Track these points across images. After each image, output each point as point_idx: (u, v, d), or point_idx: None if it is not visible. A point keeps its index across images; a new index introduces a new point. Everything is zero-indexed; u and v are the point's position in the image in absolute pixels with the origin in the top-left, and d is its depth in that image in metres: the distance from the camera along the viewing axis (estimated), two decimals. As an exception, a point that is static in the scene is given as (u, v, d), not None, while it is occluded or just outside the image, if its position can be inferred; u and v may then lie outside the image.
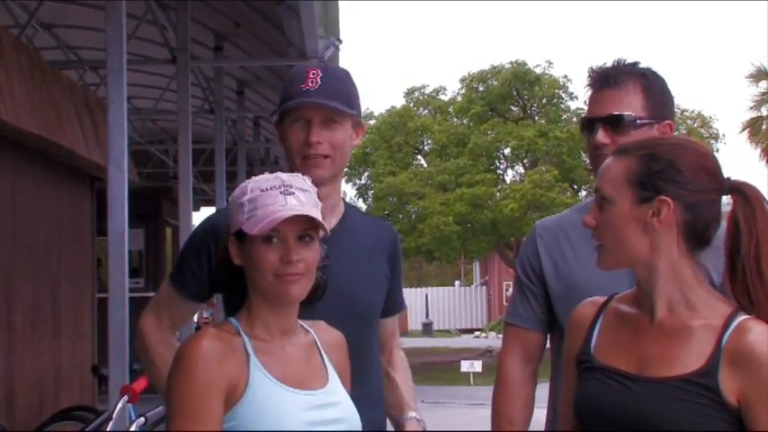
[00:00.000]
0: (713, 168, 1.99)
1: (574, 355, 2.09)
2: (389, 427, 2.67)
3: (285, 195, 1.97)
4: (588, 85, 2.55)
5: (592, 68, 2.55)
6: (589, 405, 2.01)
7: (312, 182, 2.39)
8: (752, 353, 1.87)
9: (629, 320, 2.04)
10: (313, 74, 2.47)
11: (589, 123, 2.51)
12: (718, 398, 1.88)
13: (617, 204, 1.97)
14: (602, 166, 2.03)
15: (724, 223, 2.01)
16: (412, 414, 2.59)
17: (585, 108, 2.57)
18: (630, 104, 2.46)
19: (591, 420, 2.00)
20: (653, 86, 2.50)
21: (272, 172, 2.06)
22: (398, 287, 2.71)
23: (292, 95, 2.47)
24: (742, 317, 1.93)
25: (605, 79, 2.50)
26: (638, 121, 2.45)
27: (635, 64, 2.54)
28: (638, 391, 1.94)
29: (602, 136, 2.46)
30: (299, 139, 2.47)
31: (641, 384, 1.94)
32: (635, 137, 2.39)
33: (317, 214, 1.99)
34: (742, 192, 1.98)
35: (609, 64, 2.54)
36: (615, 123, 2.45)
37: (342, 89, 2.50)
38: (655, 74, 2.54)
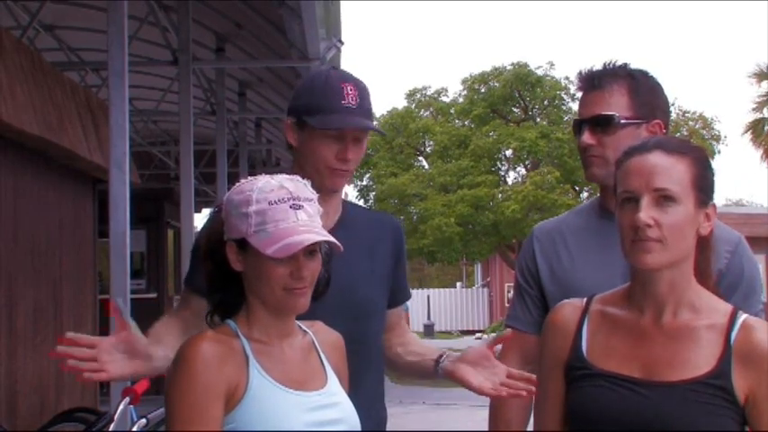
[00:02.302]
0: None
1: (561, 360, 2.07)
2: (400, 426, 2.66)
3: (295, 210, 1.96)
4: (577, 89, 2.59)
5: (580, 72, 2.58)
6: (595, 412, 1.98)
7: (332, 190, 2.43)
8: (761, 350, 1.91)
9: (622, 324, 2.03)
10: (350, 89, 2.50)
11: (577, 125, 2.55)
12: (731, 398, 1.91)
13: (683, 204, 1.96)
14: (652, 162, 1.99)
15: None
16: (445, 353, 2.56)
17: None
18: (615, 105, 2.48)
19: (597, 427, 1.98)
20: (640, 87, 2.51)
21: (269, 173, 2.06)
22: (403, 277, 2.73)
23: (333, 110, 2.48)
24: (744, 315, 1.97)
25: (591, 81, 2.52)
26: (623, 121, 2.47)
27: (623, 65, 2.55)
28: (651, 397, 1.93)
29: (587, 137, 2.49)
30: (332, 153, 2.50)
31: (653, 389, 1.94)
32: (621, 137, 2.42)
33: (327, 234, 1.99)
34: None
35: (598, 66, 2.57)
36: (599, 124, 2.48)
37: (370, 105, 2.57)
38: (645, 74, 2.55)
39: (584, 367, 2.02)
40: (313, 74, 2.68)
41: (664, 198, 1.95)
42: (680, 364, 1.94)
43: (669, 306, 1.99)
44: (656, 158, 1.98)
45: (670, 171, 1.97)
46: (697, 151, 2.04)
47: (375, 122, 2.65)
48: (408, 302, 2.86)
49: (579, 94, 2.58)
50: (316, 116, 2.49)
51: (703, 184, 1.99)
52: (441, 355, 2.54)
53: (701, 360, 1.93)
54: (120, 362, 2.23)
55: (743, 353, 1.92)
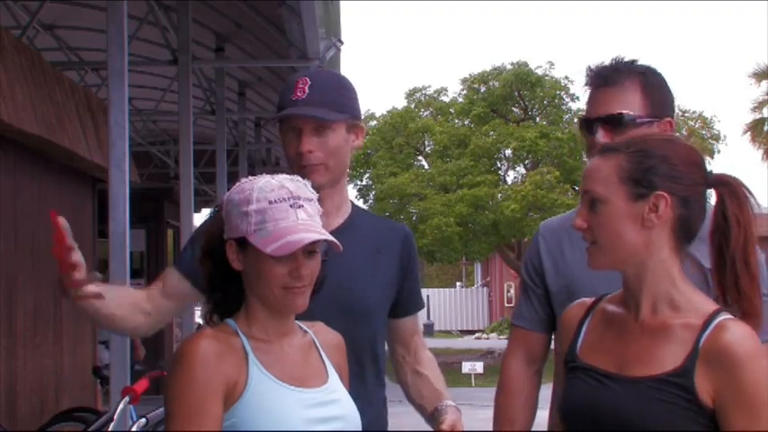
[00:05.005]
0: (701, 162, 2.02)
1: (562, 355, 2.11)
2: (400, 426, 2.68)
3: (295, 209, 1.97)
4: (587, 85, 2.53)
5: (590, 67, 2.53)
6: (571, 404, 2.03)
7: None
8: (727, 353, 1.87)
9: (614, 321, 2.05)
10: (302, 83, 2.53)
11: (588, 123, 2.49)
12: (693, 398, 1.88)
13: (611, 203, 1.97)
14: (588, 167, 2.03)
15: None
16: (448, 402, 2.58)
17: (586, 109, 2.54)
18: (629, 103, 2.44)
19: (573, 419, 2.02)
20: (652, 84, 2.48)
21: (269, 173, 2.06)
22: (413, 287, 2.71)
23: (283, 106, 2.55)
24: (723, 317, 1.93)
25: (603, 78, 2.48)
26: (638, 120, 2.43)
27: (633, 62, 2.52)
28: (616, 390, 1.95)
29: (601, 136, 2.44)
30: (293, 149, 2.55)
31: (620, 383, 1.95)
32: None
33: (326, 233, 1.99)
34: (727, 183, 2.00)
35: (607, 62, 2.53)
36: (615, 123, 2.43)
37: (331, 95, 2.55)
38: (653, 71, 2.52)
39: (573, 361, 2.06)
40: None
41: (592, 200, 1.99)
42: (649, 361, 1.94)
43: (646, 303, 1.99)
44: (590, 163, 2.03)
45: (595, 173, 2.00)
46: (639, 144, 2.00)
47: (341, 111, 2.55)
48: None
49: (587, 91, 2.53)
50: (273, 118, 2.59)
51: (639, 177, 1.96)
52: (433, 411, 2.57)
53: (669, 358, 1.92)
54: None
55: (709, 353, 1.89)
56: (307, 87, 2.52)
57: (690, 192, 1.97)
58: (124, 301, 2.50)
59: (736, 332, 1.89)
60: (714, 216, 2.00)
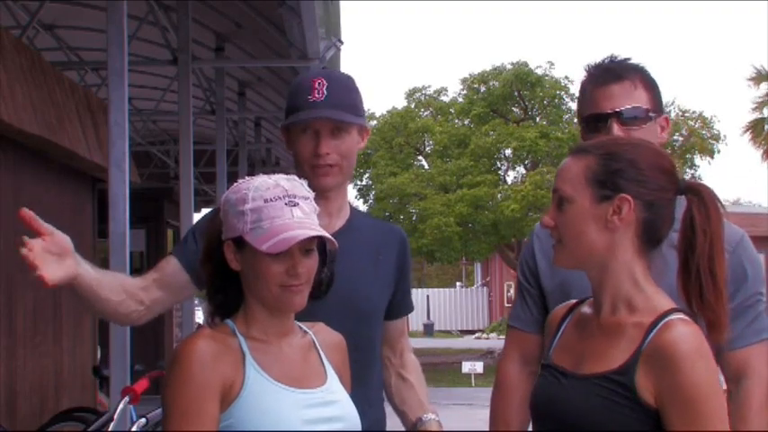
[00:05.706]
0: (670, 168, 2.03)
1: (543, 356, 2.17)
2: (398, 426, 2.71)
3: (291, 207, 1.98)
4: (589, 82, 2.50)
5: (591, 65, 2.53)
6: (533, 401, 2.09)
7: (321, 189, 2.41)
8: (668, 351, 1.88)
9: (583, 321, 2.09)
10: (319, 84, 2.51)
11: (599, 119, 2.45)
12: (633, 396, 1.89)
13: (576, 203, 1.99)
14: (560, 166, 2.06)
15: None
16: (432, 416, 2.66)
17: (589, 105, 2.49)
18: (640, 98, 2.44)
19: (536, 415, 2.08)
20: (650, 80, 2.49)
21: (267, 173, 2.07)
22: (407, 290, 2.72)
23: (300, 107, 2.52)
24: (673, 316, 1.93)
25: (611, 74, 2.46)
26: (651, 114, 2.43)
27: (627, 59, 2.52)
28: (566, 387, 1.98)
29: (617, 130, 2.40)
30: (308, 150, 2.52)
31: (570, 380, 1.99)
32: (647, 132, 2.39)
33: (322, 230, 2.00)
34: (697, 192, 2.00)
35: (605, 60, 2.52)
36: (631, 117, 2.42)
37: (347, 98, 2.54)
38: (646, 68, 2.53)
39: (546, 359, 2.11)
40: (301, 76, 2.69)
41: (560, 199, 2.02)
42: (600, 359, 1.96)
43: (606, 302, 2.01)
44: (563, 162, 2.06)
45: (565, 172, 2.03)
46: (608, 147, 2.03)
47: (357, 115, 2.51)
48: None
49: (590, 88, 2.49)
50: (288, 117, 2.53)
51: (605, 179, 1.98)
52: (416, 421, 2.65)
53: (616, 356, 1.94)
54: (53, 265, 2.26)
55: (650, 352, 1.89)
56: (325, 89, 2.50)
57: (655, 196, 1.98)
58: (120, 287, 2.46)
59: (680, 331, 1.89)
60: (682, 224, 2.00)
